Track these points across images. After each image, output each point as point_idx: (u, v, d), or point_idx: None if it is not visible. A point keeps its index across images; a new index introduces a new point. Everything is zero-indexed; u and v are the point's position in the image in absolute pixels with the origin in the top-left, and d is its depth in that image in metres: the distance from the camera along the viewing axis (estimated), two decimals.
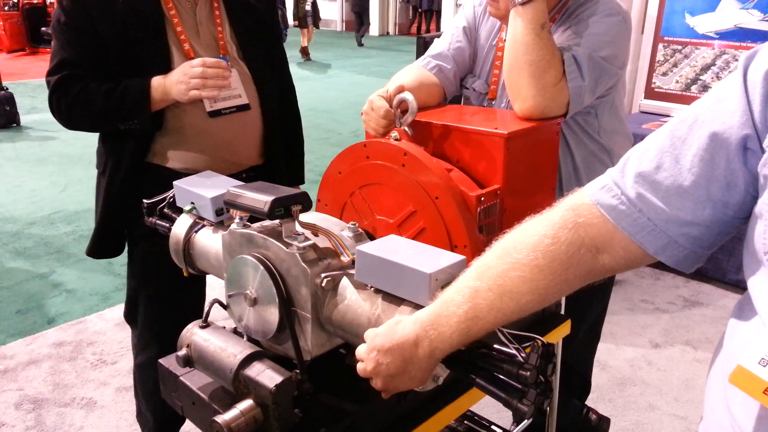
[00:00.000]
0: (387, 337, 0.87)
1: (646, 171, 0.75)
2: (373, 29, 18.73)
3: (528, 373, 0.79)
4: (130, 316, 1.86)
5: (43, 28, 11.99)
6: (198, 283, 1.82)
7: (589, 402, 2.12)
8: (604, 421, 2.03)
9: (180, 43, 1.62)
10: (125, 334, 2.85)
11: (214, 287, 1.98)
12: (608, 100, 1.54)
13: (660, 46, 3.58)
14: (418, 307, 0.90)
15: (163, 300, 1.77)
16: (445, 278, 0.89)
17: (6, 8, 12.47)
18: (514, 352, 0.83)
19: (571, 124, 1.52)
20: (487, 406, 2.06)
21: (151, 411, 1.91)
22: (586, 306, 1.79)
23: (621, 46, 1.45)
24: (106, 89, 1.56)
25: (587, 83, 1.37)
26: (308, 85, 9.58)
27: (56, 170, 5.45)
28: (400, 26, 19.24)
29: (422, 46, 3.48)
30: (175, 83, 1.55)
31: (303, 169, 2.02)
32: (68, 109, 1.60)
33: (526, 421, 1.95)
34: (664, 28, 3.53)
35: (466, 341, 0.84)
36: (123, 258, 3.73)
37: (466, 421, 1.74)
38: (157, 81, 1.56)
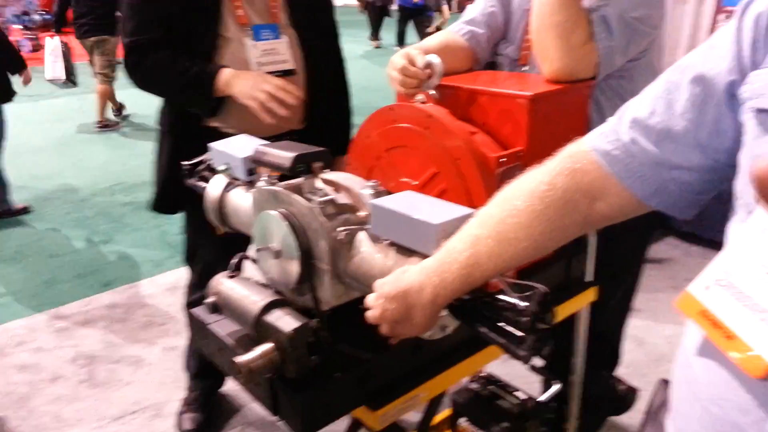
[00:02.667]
0: (393, 285, 0.90)
1: (640, 116, 0.77)
2: None
3: (527, 319, 0.82)
4: (190, 259, 2.04)
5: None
6: (241, 239, 1.92)
7: (622, 376, 2.10)
8: (631, 393, 2.02)
9: (233, 10, 1.70)
10: (174, 298, 2.99)
11: None
12: (644, 63, 1.51)
13: (722, 16, 3.43)
14: (425, 257, 0.93)
15: (217, 246, 1.89)
16: (452, 230, 0.92)
17: None
18: (514, 300, 0.85)
19: (604, 89, 1.50)
20: (515, 375, 2.08)
21: (196, 349, 2.06)
22: (617, 274, 1.78)
23: (654, 5, 1.42)
24: (178, 70, 1.67)
25: (618, 44, 1.36)
26: (361, 64, 9.62)
27: (118, 145, 5.70)
28: (459, 3, 18.93)
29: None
30: (243, 85, 1.64)
31: (348, 140, 2.06)
32: (144, 76, 1.74)
33: (555, 386, 1.97)
34: None
35: (467, 288, 0.87)
36: (177, 228, 3.90)
37: (490, 386, 1.76)
38: (226, 75, 1.66)
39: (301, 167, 1.07)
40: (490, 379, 1.76)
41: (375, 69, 9.17)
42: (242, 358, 0.99)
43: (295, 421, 1.05)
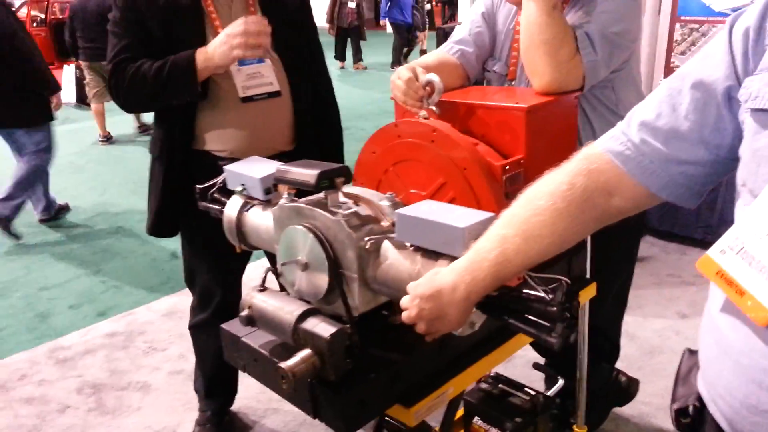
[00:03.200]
0: (427, 286, 0.98)
1: (648, 119, 0.87)
2: (390, 26, 18.78)
3: (555, 309, 0.90)
4: (189, 282, 2.07)
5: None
6: (241, 257, 1.98)
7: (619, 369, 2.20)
8: (633, 383, 2.12)
9: (217, 35, 1.75)
10: (173, 323, 3.02)
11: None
12: (624, 74, 1.63)
13: (677, 26, 3.62)
14: (453, 259, 1.01)
15: (214, 269, 1.96)
16: (477, 232, 1.00)
17: (34, 24, 12.86)
18: (541, 293, 0.94)
19: (590, 98, 1.61)
20: (518, 375, 2.17)
21: (203, 370, 2.12)
22: (612, 271, 1.88)
23: (631, 21, 1.54)
24: (156, 67, 1.71)
25: (601, 57, 1.47)
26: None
27: (92, 176, 5.68)
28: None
29: (442, 37, 3.58)
30: (217, 47, 1.67)
31: (342, 156, 2.13)
32: (126, 90, 1.75)
33: (559, 382, 2.05)
34: (680, 7, 3.57)
35: (497, 284, 0.95)
36: (166, 254, 3.91)
37: (500, 384, 1.84)
38: (200, 50, 1.70)
39: (326, 183, 1.15)
40: (500, 378, 1.85)
41: (347, 89, 9.30)
42: (286, 364, 1.05)
43: (337, 422, 1.11)
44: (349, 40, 11.62)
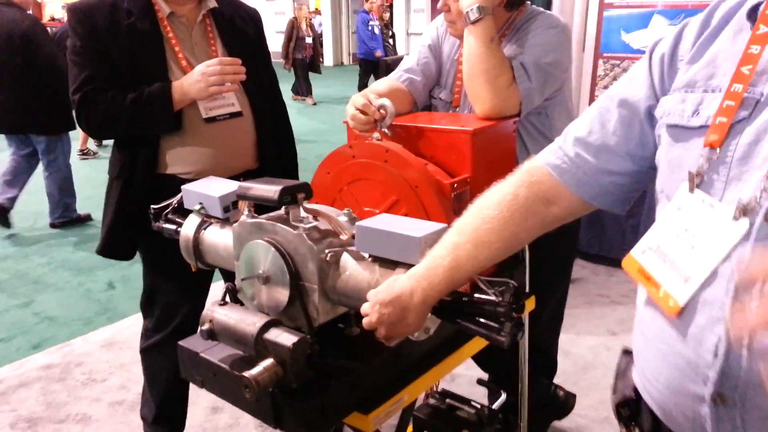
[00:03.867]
0: (387, 292, 1.05)
1: (581, 135, 0.99)
2: (328, 59, 19.09)
3: (503, 309, 0.98)
4: (147, 305, 2.04)
5: None
6: (204, 278, 1.98)
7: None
8: (570, 397, 2.23)
9: (178, 61, 1.82)
10: (112, 353, 2.94)
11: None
12: (557, 102, 1.77)
13: (600, 61, 3.90)
14: (410, 267, 1.08)
15: (179, 289, 1.96)
16: (432, 241, 1.08)
17: None
18: (491, 296, 1.02)
19: (526, 124, 1.74)
20: (467, 391, 2.24)
21: (153, 395, 2.08)
22: (548, 288, 2.00)
23: (562, 53, 1.68)
24: (131, 99, 1.74)
25: (535, 85, 1.60)
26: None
27: (21, 208, 5.45)
28: (354, 56, 19.68)
29: (385, 68, 3.72)
30: (194, 83, 1.74)
31: (297, 175, 2.19)
32: (100, 120, 1.78)
33: (502, 396, 2.14)
34: (603, 45, 3.86)
35: (451, 288, 1.03)
36: (102, 285, 3.80)
37: (447, 399, 1.90)
38: (176, 83, 1.76)
39: (287, 198, 1.20)
40: (446, 393, 1.91)
41: (302, 121, 9.35)
42: (250, 373, 1.09)
43: (299, 429, 1.14)
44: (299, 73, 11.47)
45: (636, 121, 0.93)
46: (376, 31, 10.59)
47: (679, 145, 0.86)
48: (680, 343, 0.82)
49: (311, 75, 11.38)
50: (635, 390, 0.98)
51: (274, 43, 16.73)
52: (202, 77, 1.74)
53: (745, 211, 0.75)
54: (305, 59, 11.05)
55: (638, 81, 0.94)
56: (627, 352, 1.06)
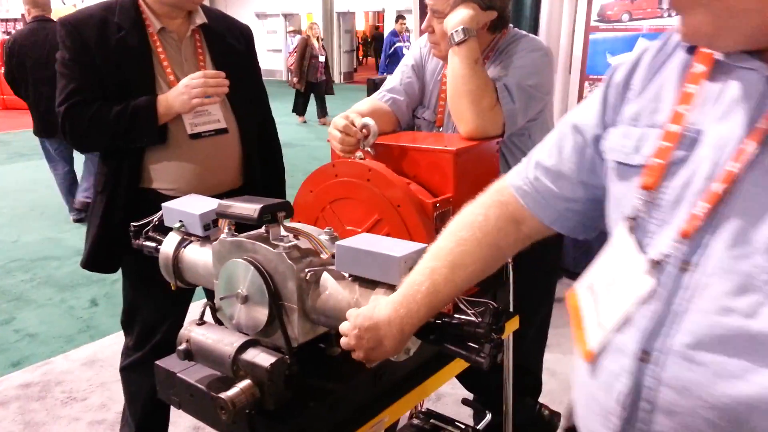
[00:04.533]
0: (366, 318, 1.03)
1: (541, 159, 0.99)
2: None
3: (482, 330, 0.98)
4: (127, 322, 2.02)
5: None
6: (185, 295, 1.96)
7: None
8: (555, 416, 2.21)
9: (166, 76, 1.82)
10: (93, 372, 2.89)
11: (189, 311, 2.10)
12: (539, 123, 1.78)
13: (586, 83, 3.95)
14: (391, 287, 1.07)
15: (159, 307, 1.94)
16: (412, 261, 1.07)
17: None
18: (471, 317, 1.01)
19: (509, 145, 1.75)
20: (452, 410, 2.22)
21: (133, 415, 2.05)
22: (533, 307, 1.99)
23: (545, 75, 1.70)
24: (116, 112, 1.74)
25: (518, 107, 1.61)
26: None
27: (6, 222, 5.40)
28: (345, 75, 19.82)
29: (372, 87, 3.74)
30: (178, 95, 1.75)
31: (284, 195, 2.19)
32: (83, 132, 1.78)
33: (487, 417, 2.12)
34: (588, 67, 3.90)
35: (431, 313, 1.02)
36: (85, 302, 3.76)
37: (432, 419, 1.89)
38: (161, 97, 1.76)
39: (267, 217, 1.19)
40: (431, 414, 1.90)
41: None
42: (226, 394, 1.07)
43: None
44: (313, 95, 10.82)
45: (587, 148, 0.94)
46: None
47: (621, 182, 0.85)
48: (595, 387, 0.83)
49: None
50: (573, 429, 0.98)
51: (267, 61, 16.85)
52: (186, 89, 1.74)
53: (654, 266, 0.76)
54: (319, 79, 10.48)
55: (591, 108, 0.94)
56: None
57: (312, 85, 10.56)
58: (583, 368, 0.85)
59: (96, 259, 1.91)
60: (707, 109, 0.77)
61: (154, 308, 1.94)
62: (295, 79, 10.42)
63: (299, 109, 10.93)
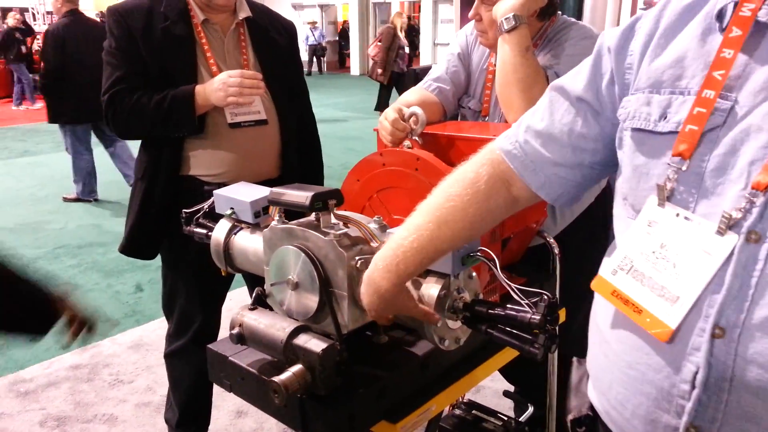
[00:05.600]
0: (363, 279, 1.06)
1: (532, 123, 0.99)
2: (354, 68, 19.22)
3: (538, 320, 0.97)
4: (167, 309, 2.06)
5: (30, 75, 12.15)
6: (222, 284, 1.99)
7: None
8: None
9: (209, 66, 1.85)
10: (138, 355, 2.97)
11: (231, 298, 2.14)
12: None
13: None
14: (442, 275, 1.08)
15: (196, 294, 1.98)
16: (463, 251, 1.07)
17: None
18: (524, 306, 1.00)
19: None
20: (492, 403, 2.22)
21: (176, 399, 2.10)
22: (578, 300, 1.97)
23: None
24: (155, 101, 1.78)
25: None
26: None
27: (55, 208, 5.57)
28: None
29: (413, 78, 3.73)
30: (215, 90, 1.77)
31: (322, 185, 2.20)
32: (125, 120, 1.82)
33: (529, 409, 2.11)
34: None
35: (417, 270, 1.02)
36: (130, 287, 3.85)
37: (473, 410, 1.89)
38: (199, 88, 1.79)
39: (319, 204, 1.20)
40: (473, 405, 1.90)
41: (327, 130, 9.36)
42: (279, 378, 1.09)
43: None
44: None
45: (578, 112, 0.93)
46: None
47: (645, 151, 0.83)
48: (653, 371, 0.79)
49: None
50: (591, 408, 0.96)
51: (305, 53, 16.90)
52: (223, 86, 1.77)
53: (730, 224, 0.72)
54: (403, 71, 9.82)
55: (582, 74, 0.94)
56: (580, 362, 1.04)
57: (397, 76, 9.79)
58: (633, 355, 0.81)
59: (134, 245, 1.96)
60: (747, 75, 0.75)
61: (191, 295, 1.98)
62: (379, 71, 9.62)
63: (382, 104, 9.79)
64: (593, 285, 0.87)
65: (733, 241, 0.71)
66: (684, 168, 0.77)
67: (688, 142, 0.76)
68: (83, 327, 1.39)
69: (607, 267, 0.85)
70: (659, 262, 0.79)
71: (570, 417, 1.00)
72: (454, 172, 1.04)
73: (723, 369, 0.72)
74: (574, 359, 1.04)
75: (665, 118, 0.80)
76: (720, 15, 0.79)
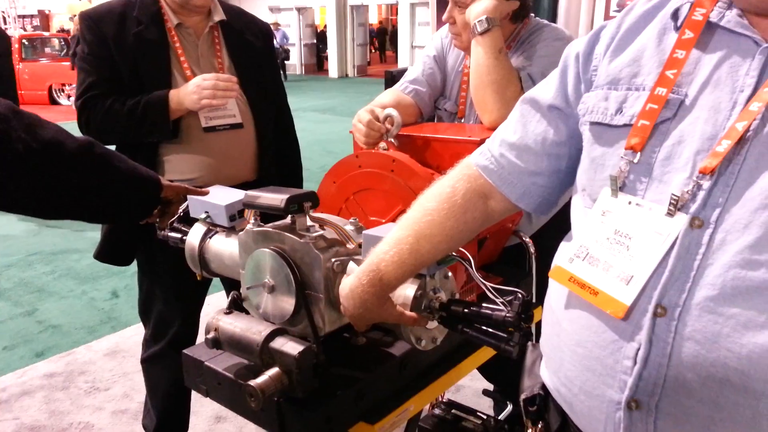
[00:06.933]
0: (343, 289, 1.07)
1: (505, 136, 1.01)
2: (332, 71, 19.22)
3: (512, 318, 0.98)
4: (143, 314, 2.04)
5: None
6: (199, 289, 1.98)
7: None
8: None
9: (183, 71, 1.83)
10: (115, 362, 2.93)
11: (209, 303, 2.13)
12: None
13: None
14: (418, 276, 1.08)
15: (173, 299, 1.95)
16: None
17: None
18: (499, 305, 1.01)
19: None
20: (472, 402, 2.23)
21: (154, 405, 2.07)
22: None
23: None
24: (129, 106, 1.76)
25: None
26: None
27: (26, 216, 5.47)
28: (358, 68, 19.81)
29: (390, 79, 3.74)
30: (188, 94, 1.76)
31: (301, 187, 2.19)
32: (98, 126, 1.79)
33: (508, 407, 2.12)
34: None
35: (396, 283, 1.03)
36: (106, 293, 3.80)
37: (453, 410, 1.89)
38: (173, 92, 1.78)
39: (294, 207, 1.20)
40: (452, 404, 1.90)
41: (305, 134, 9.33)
42: (256, 382, 1.08)
43: None
44: None
45: (552, 122, 0.96)
46: None
47: (602, 144, 0.87)
48: (599, 348, 0.83)
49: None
50: (543, 387, 0.99)
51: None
52: (197, 89, 1.75)
53: (678, 206, 0.76)
54: None
55: (551, 83, 0.98)
56: (534, 346, 1.07)
57: None
58: (581, 334, 0.85)
59: (109, 251, 1.93)
60: (697, 71, 0.80)
61: (167, 300, 1.96)
62: None
63: None
64: (551, 274, 0.91)
65: (682, 221, 0.76)
66: (635, 160, 0.81)
67: (639, 136, 0.81)
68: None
69: (563, 256, 0.89)
70: (613, 246, 0.83)
71: (523, 396, 1.03)
72: (432, 186, 1.06)
73: (663, 346, 0.76)
74: (529, 343, 1.06)
75: (621, 111, 0.85)
76: (675, 14, 0.85)
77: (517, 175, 1.00)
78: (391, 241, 1.02)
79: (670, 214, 0.77)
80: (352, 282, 1.05)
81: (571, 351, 0.87)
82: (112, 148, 1.91)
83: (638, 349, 0.78)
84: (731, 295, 0.72)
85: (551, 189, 1.01)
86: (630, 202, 0.82)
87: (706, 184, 0.75)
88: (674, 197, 0.76)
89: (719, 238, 0.74)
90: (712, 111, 0.77)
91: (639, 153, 0.81)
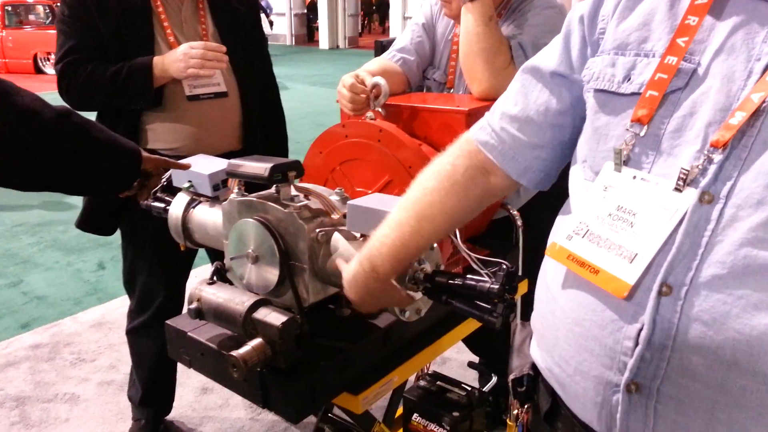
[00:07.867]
0: (346, 277, 1.04)
1: (506, 109, 0.97)
2: (323, 43, 18.97)
3: (497, 289, 0.97)
4: (128, 285, 2.02)
5: None
6: (184, 259, 1.96)
7: None
8: None
9: (165, 36, 1.79)
10: (102, 333, 2.92)
11: (195, 275, 2.11)
12: None
13: None
14: None
15: (157, 270, 1.93)
16: None
17: None
18: (484, 277, 1.00)
19: None
20: (457, 374, 2.24)
21: (140, 376, 2.07)
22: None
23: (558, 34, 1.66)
24: (112, 72, 1.71)
25: None
26: None
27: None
28: (349, 39, 19.56)
29: (380, 49, 3.68)
30: (174, 62, 1.71)
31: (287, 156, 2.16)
32: (79, 92, 1.75)
33: (493, 380, 2.14)
34: None
35: (399, 266, 1.01)
36: (92, 265, 3.78)
37: (438, 382, 1.90)
38: (157, 59, 1.73)
39: (278, 176, 1.17)
40: (437, 376, 1.91)
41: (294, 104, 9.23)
42: (238, 352, 1.07)
43: (287, 409, 1.13)
44: None
45: (555, 90, 0.92)
46: None
47: (607, 112, 0.83)
48: (598, 327, 0.79)
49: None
50: (533, 367, 0.97)
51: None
52: (184, 57, 1.71)
53: (687, 182, 0.72)
54: None
55: (553, 49, 0.93)
56: (524, 325, 1.05)
57: None
58: (580, 313, 0.82)
59: (91, 220, 1.91)
60: (710, 39, 0.76)
61: (152, 270, 1.94)
62: None
63: None
64: (547, 252, 0.87)
65: (691, 196, 0.72)
66: (642, 133, 0.77)
67: (648, 108, 0.77)
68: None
69: (561, 233, 0.85)
70: (616, 223, 0.79)
71: (511, 377, 1.01)
72: (431, 164, 1.02)
73: (668, 327, 0.72)
74: (518, 322, 1.04)
75: (629, 79, 0.81)
76: None
77: (518, 149, 0.95)
78: (392, 223, 0.99)
79: (678, 189, 0.73)
80: (354, 269, 1.02)
81: (568, 330, 0.84)
82: (93, 115, 1.88)
83: (641, 330, 0.74)
84: (742, 274, 0.68)
85: (552, 162, 0.97)
86: (635, 177, 0.78)
87: (717, 157, 0.71)
88: (684, 171, 0.72)
89: (730, 213, 0.70)
90: (726, 80, 0.73)
91: (646, 126, 0.77)
